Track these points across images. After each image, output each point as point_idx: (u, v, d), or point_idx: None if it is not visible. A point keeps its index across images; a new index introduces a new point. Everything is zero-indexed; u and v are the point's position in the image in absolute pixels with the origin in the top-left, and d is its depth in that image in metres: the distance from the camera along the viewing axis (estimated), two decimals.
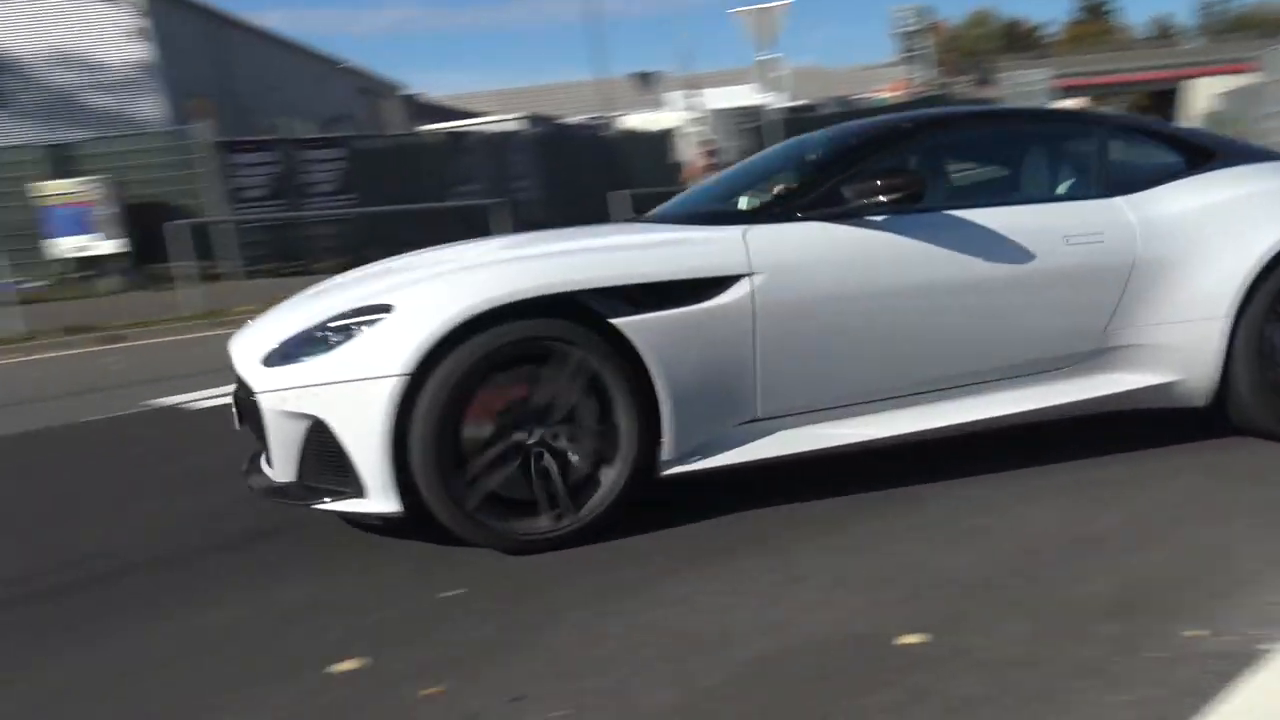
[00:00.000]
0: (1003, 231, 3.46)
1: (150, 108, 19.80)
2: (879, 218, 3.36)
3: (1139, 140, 4.00)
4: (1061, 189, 3.87)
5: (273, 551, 3.22)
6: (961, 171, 4.09)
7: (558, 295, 3.00)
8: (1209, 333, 3.55)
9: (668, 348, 3.07)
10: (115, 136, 15.74)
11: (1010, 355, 3.47)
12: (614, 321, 3.02)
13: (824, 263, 3.28)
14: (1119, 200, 3.65)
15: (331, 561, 3.11)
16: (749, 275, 3.17)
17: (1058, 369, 3.52)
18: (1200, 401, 3.65)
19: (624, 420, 3.04)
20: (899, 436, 3.35)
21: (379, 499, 2.96)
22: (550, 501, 3.03)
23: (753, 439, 3.22)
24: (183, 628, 2.75)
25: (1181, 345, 3.56)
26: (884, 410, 3.36)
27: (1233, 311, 3.53)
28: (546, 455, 3.01)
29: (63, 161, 14.71)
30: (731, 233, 3.29)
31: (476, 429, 2.96)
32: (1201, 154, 3.90)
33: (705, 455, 3.17)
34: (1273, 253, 3.53)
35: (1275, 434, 3.61)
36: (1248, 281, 3.52)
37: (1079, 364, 3.54)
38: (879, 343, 3.33)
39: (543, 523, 3.03)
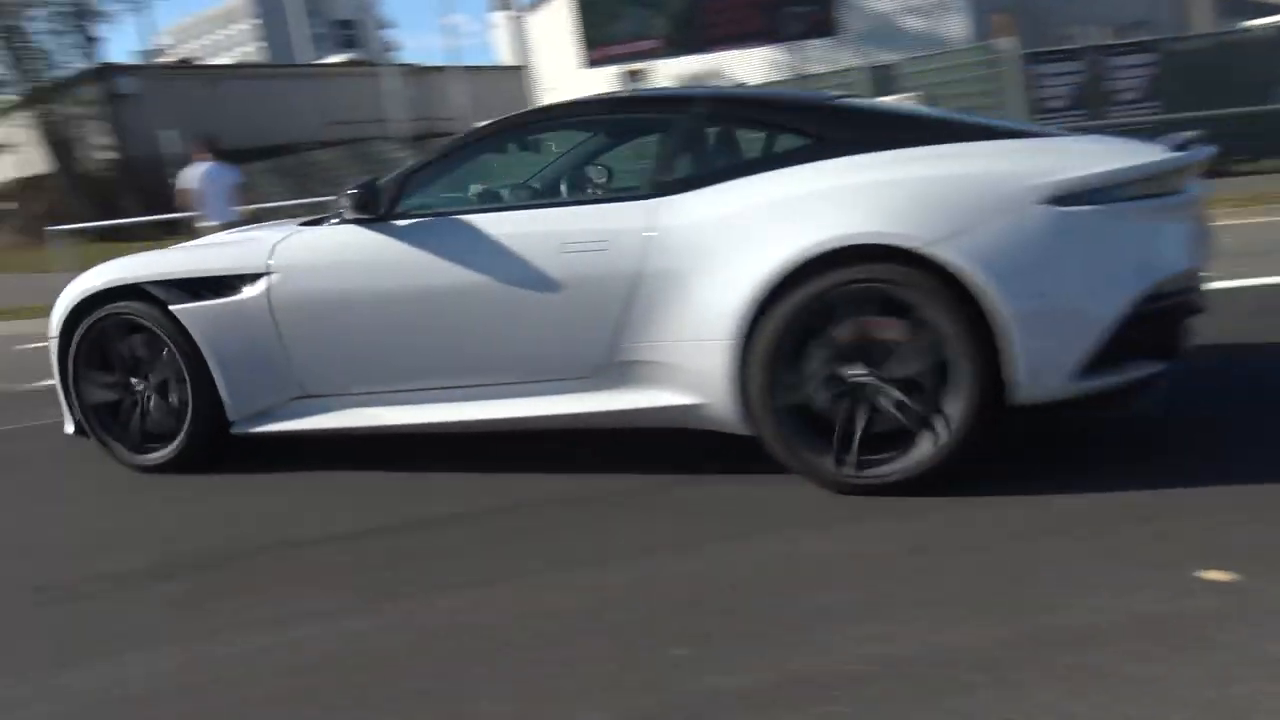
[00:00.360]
0: (502, 237, 3.37)
1: (956, 26, 20.32)
2: (402, 224, 3.50)
3: (753, 126, 3.54)
4: (601, 189, 3.71)
5: (1111, 455, 3.17)
6: (533, 171, 3.98)
7: (129, 285, 3.89)
8: (716, 355, 3.08)
9: (212, 331, 3.75)
10: (927, 55, 16.48)
11: (512, 362, 3.38)
12: (171, 308, 3.80)
13: (331, 265, 3.59)
14: (650, 203, 3.24)
15: (1176, 471, 2.97)
16: (266, 274, 3.67)
17: (576, 378, 3.33)
18: (741, 428, 3.15)
19: (188, 384, 3.81)
20: (435, 425, 3.48)
21: (67, 424, 4.17)
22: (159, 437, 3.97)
23: (310, 413, 3.69)
24: (1044, 513, 2.83)
25: (694, 367, 3.15)
26: (429, 401, 3.51)
27: (739, 334, 3.02)
28: (154, 399, 3.93)
29: (883, 82, 15.82)
30: (275, 233, 3.79)
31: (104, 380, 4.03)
32: (839, 141, 3.17)
33: (269, 421, 3.76)
34: (792, 266, 2.95)
35: (809, 477, 3.08)
36: (756, 300, 2.99)
37: (598, 376, 3.31)
38: (387, 339, 3.51)
39: (160, 453, 3.95)
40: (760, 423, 3.08)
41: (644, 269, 3.21)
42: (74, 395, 4.09)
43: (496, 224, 3.43)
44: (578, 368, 3.34)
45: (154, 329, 3.88)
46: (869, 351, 2.98)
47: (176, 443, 3.92)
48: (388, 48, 63.25)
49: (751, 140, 3.54)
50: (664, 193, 3.26)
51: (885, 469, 2.98)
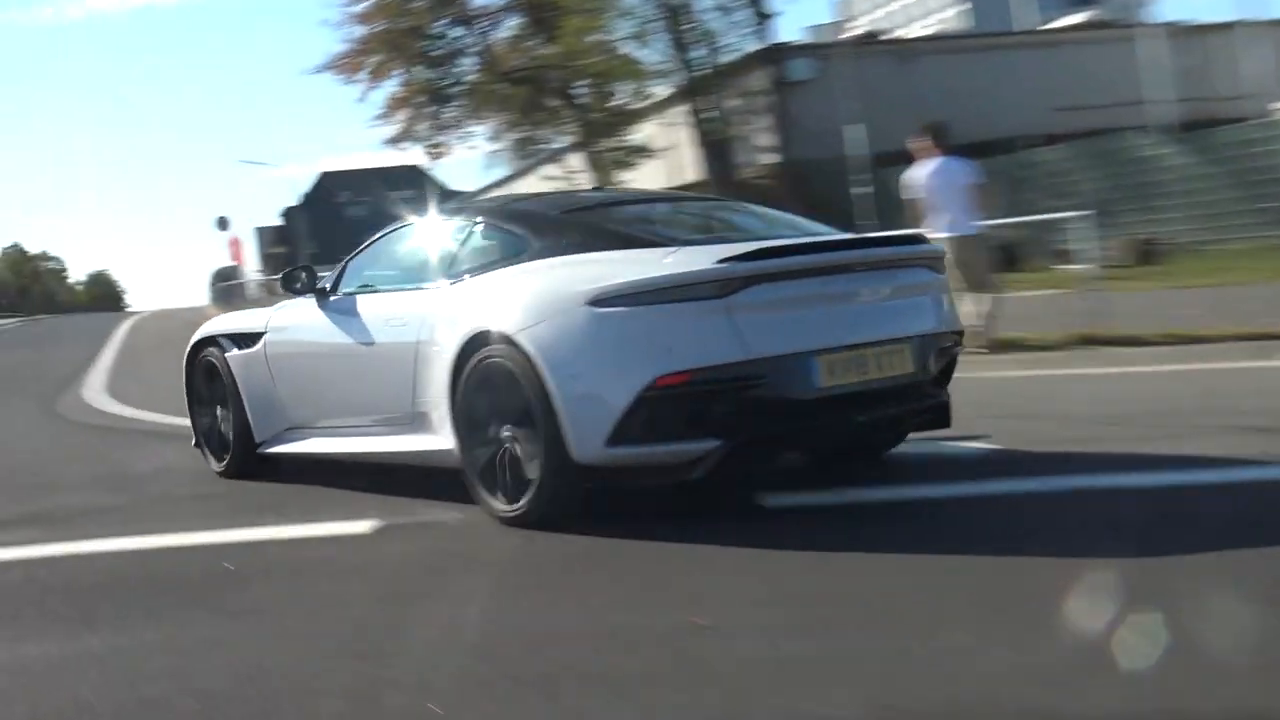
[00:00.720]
0: (363, 313, 6.48)
1: None
2: (334, 299, 6.78)
3: (497, 230, 6.16)
4: (423, 277, 6.28)
5: None
6: (406, 261, 6.69)
7: (210, 337, 7.71)
8: (446, 410, 5.72)
9: (244, 372, 7.29)
10: None
11: (367, 408, 6.38)
12: (225, 354, 7.47)
13: (293, 329, 7.05)
14: (432, 292, 6.07)
15: None
16: (265, 333, 7.22)
17: (399, 425, 6.11)
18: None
19: (233, 412, 7.38)
20: (348, 456, 6.68)
21: (193, 439, 8.04)
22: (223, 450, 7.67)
23: (295, 440, 7.02)
24: None
25: (441, 418, 5.78)
26: (344, 435, 6.65)
27: (449, 393, 5.66)
28: (223, 423, 7.58)
29: None
30: (284, 301, 7.36)
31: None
32: (543, 247, 5.75)
33: (277, 444, 7.16)
34: (462, 343, 5.56)
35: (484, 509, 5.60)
36: (450, 369, 5.64)
37: (412, 423, 6.02)
38: (314, 386, 6.87)
39: (222, 463, 7.68)
40: (461, 463, 5.66)
41: (420, 339, 5.91)
42: (194, 417, 7.95)
43: (364, 304, 6.54)
44: (398, 416, 6.12)
45: (220, 370, 7.50)
46: (509, 412, 5.36)
47: (229, 458, 7.51)
48: (1140, 1, 62.12)
49: (499, 242, 6.07)
50: (443, 282, 6.04)
51: (512, 506, 5.36)
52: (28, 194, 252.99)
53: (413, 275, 6.42)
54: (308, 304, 6.95)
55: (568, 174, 34.70)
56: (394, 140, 36.94)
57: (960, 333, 6.09)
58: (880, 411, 5.43)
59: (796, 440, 5.54)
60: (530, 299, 5.35)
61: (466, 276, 5.92)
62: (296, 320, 7.04)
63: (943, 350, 5.74)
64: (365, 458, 6.54)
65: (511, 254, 5.82)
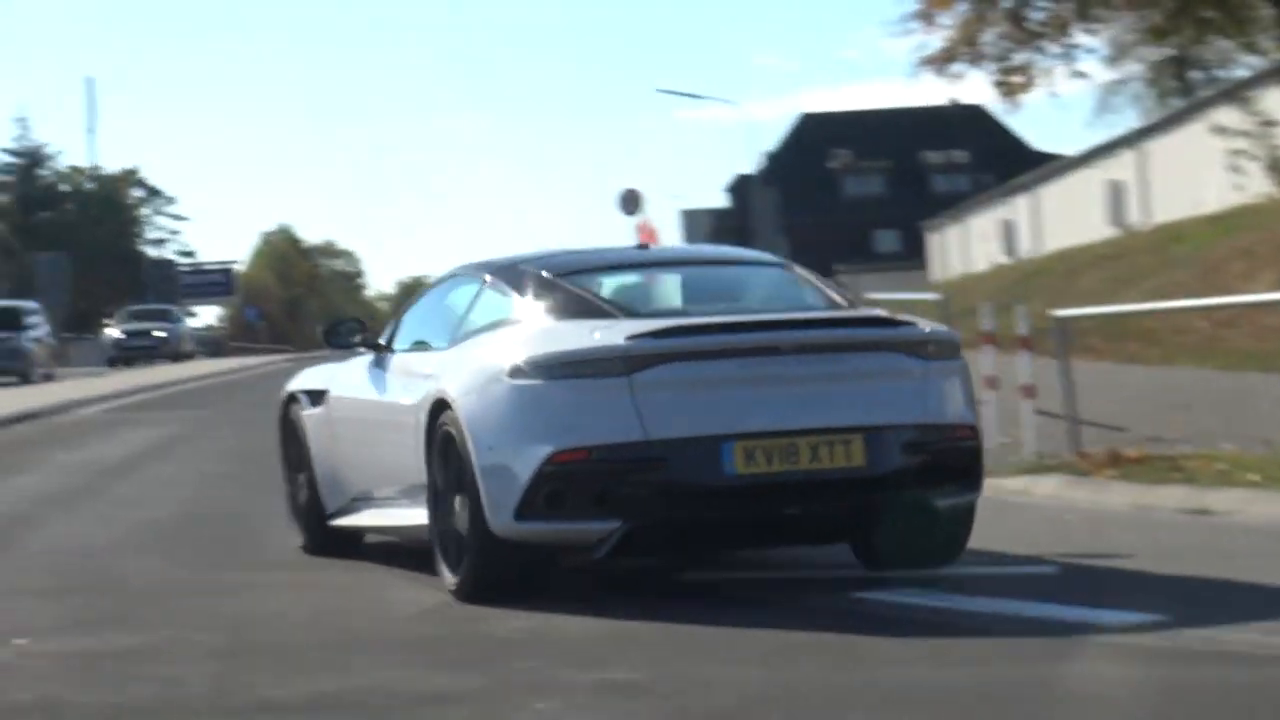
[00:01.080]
0: (393, 372, 10.12)
1: None
2: (389, 356, 10.36)
3: (496, 292, 9.18)
4: (443, 337, 9.50)
5: None
6: (440, 318, 9.93)
7: (293, 393, 11.72)
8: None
9: (315, 432, 10.93)
10: None
11: (398, 478, 9.55)
12: (302, 412, 11.22)
13: (349, 386, 10.59)
14: (441, 353, 9.17)
15: None
16: (327, 390, 10.71)
17: (411, 496, 9.19)
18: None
19: (307, 476, 10.94)
20: (396, 530, 10.16)
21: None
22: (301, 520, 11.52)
23: (359, 510, 10.38)
24: None
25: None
26: (393, 507, 9.87)
27: (423, 473, 8.49)
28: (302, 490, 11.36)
29: None
30: (357, 354, 10.75)
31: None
32: (532, 311, 8.92)
33: (343, 515, 10.55)
34: (427, 408, 8.51)
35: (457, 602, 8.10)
36: (425, 436, 8.62)
37: (421, 494, 8.76)
38: (365, 451, 10.19)
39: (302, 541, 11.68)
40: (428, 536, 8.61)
41: (419, 404, 8.80)
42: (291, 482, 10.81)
43: (397, 363, 10.07)
44: (411, 487, 9.14)
45: (298, 429, 10.78)
46: (457, 481, 8.33)
47: (308, 534, 10.68)
48: None
49: (495, 305, 9.27)
50: (448, 345, 9.41)
51: (452, 581, 8.53)
52: (302, 157, 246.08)
53: (438, 334, 9.56)
54: (366, 360, 10.28)
55: (1261, 125, 32.63)
56: (935, 61, 34.50)
57: (968, 426, 8.31)
58: (819, 505, 7.91)
59: (711, 527, 8.04)
60: (475, 367, 8.33)
61: (464, 339, 8.85)
62: (354, 378, 10.41)
63: (921, 445, 8.01)
64: (395, 533, 10.01)
65: (499, 319, 8.85)
